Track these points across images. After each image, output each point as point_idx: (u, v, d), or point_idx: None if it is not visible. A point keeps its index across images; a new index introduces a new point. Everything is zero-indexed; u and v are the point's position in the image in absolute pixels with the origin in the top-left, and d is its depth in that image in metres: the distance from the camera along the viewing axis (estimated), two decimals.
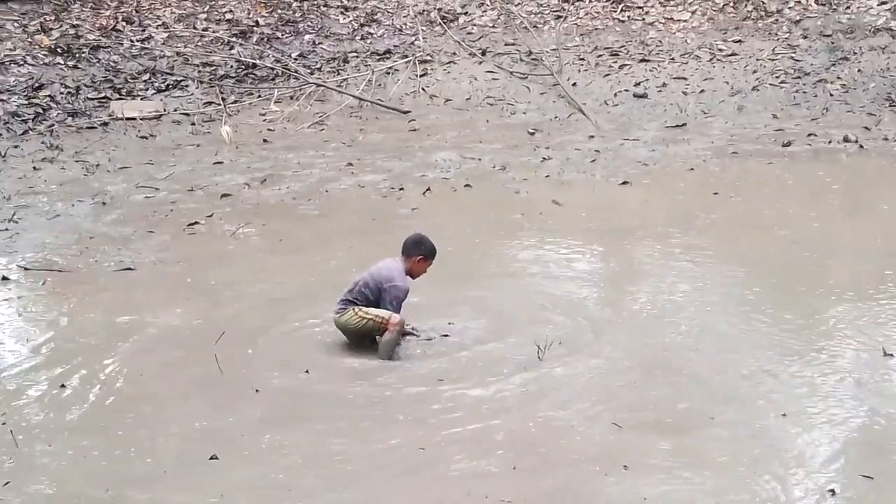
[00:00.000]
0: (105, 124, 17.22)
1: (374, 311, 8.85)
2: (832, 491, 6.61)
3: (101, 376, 8.63)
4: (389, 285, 8.85)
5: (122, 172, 14.84)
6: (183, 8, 22.03)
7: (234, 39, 20.74)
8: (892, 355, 8.42)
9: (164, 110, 17.95)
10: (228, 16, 21.82)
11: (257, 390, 8.25)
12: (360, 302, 8.91)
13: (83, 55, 19.72)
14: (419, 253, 9.00)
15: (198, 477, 7.09)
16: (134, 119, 17.41)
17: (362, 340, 9.03)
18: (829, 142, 15.46)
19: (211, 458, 7.25)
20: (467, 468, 7.09)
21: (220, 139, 16.22)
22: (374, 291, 8.90)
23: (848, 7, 20.30)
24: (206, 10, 22.03)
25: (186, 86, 18.96)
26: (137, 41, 20.63)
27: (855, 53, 18.75)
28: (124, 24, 21.33)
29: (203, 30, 21.19)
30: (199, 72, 19.51)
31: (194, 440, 7.58)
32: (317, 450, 7.40)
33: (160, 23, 21.47)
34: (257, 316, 9.83)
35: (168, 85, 18.99)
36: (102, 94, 18.51)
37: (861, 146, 15.15)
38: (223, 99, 18.27)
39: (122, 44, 20.50)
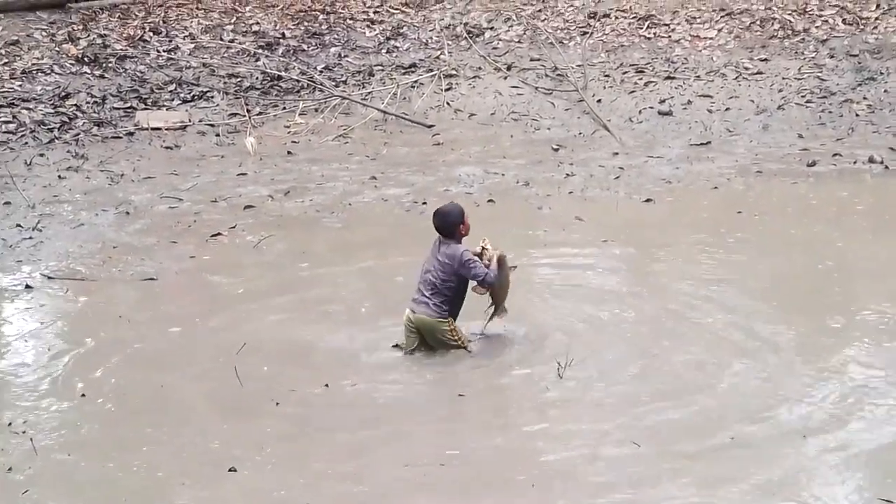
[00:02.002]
0: (130, 134, 17.26)
1: (463, 334, 9.07)
2: None
3: (122, 387, 8.66)
4: (462, 261, 8.88)
5: (146, 182, 14.89)
6: (210, 19, 22.11)
7: (260, 51, 20.80)
8: None
9: (190, 121, 17.98)
10: (255, 27, 21.89)
11: (277, 403, 8.26)
12: (447, 298, 8.98)
13: (110, 65, 19.80)
14: (458, 223, 9.09)
15: (216, 489, 7.11)
16: (159, 129, 17.45)
17: (425, 343, 9.14)
18: (854, 162, 15.39)
19: (230, 471, 7.26)
20: (492, 483, 7.09)
21: (244, 150, 16.24)
22: (455, 275, 8.95)
23: (875, 27, 20.24)
24: (232, 21, 22.11)
25: (212, 97, 19.01)
26: (164, 52, 20.71)
27: (881, 74, 18.67)
28: (151, 34, 21.41)
29: (230, 41, 21.26)
30: (225, 83, 19.56)
31: (213, 452, 7.60)
32: (336, 464, 7.40)
33: (187, 34, 21.56)
34: (278, 328, 9.85)
35: (194, 96, 19.04)
36: (128, 104, 18.57)
37: (886, 167, 15.07)
38: (248, 110, 18.31)
39: (148, 54, 20.58)
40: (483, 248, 9.09)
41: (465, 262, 8.84)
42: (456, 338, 9.07)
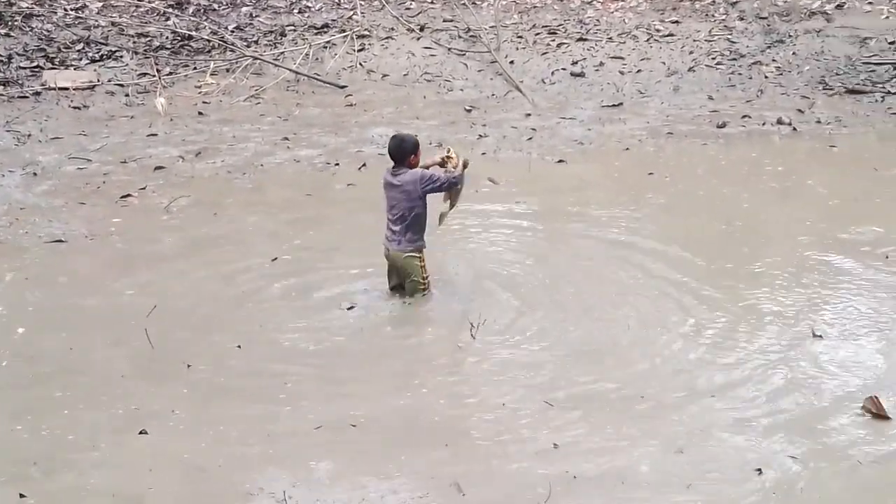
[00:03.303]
0: (37, 94, 16.98)
1: (428, 274, 9.44)
2: (759, 470, 6.68)
3: (30, 351, 8.56)
4: (423, 180, 9.13)
5: (53, 143, 14.66)
6: None
7: (170, 10, 20.56)
8: (820, 337, 8.52)
9: (98, 81, 17.72)
10: None
11: (189, 365, 8.21)
12: (417, 227, 9.32)
13: (16, 23, 19.47)
14: (411, 151, 9.28)
15: (126, 452, 7.06)
16: (67, 89, 17.18)
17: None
18: (763, 124, 15.58)
19: (140, 433, 7.22)
20: (404, 444, 7.11)
21: (154, 111, 16.04)
22: (420, 199, 9.22)
23: None
24: None
25: (121, 56, 18.75)
26: (71, 10, 20.40)
27: (790, 36, 18.89)
28: None
29: (138, 0, 20.97)
30: (134, 42, 19.31)
31: (124, 415, 7.53)
32: (247, 426, 7.38)
33: None
34: (189, 290, 9.78)
35: (102, 55, 18.76)
36: (35, 64, 18.27)
37: (794, 128, 15.28)
38: (158, 70, 18.08)
39: (55, 12, 20.26)
40: (448, 156, 9.38)
41: (428, 178, 9.13)
42: (423, 276, 9.41)
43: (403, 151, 9.26)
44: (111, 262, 10.59)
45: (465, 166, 9.31)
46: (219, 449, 7.10)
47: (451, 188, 9.29)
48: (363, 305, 9.36)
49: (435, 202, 9.40)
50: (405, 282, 9.46)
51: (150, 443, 7.16)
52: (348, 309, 9.35)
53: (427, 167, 9.36)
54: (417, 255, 9.38)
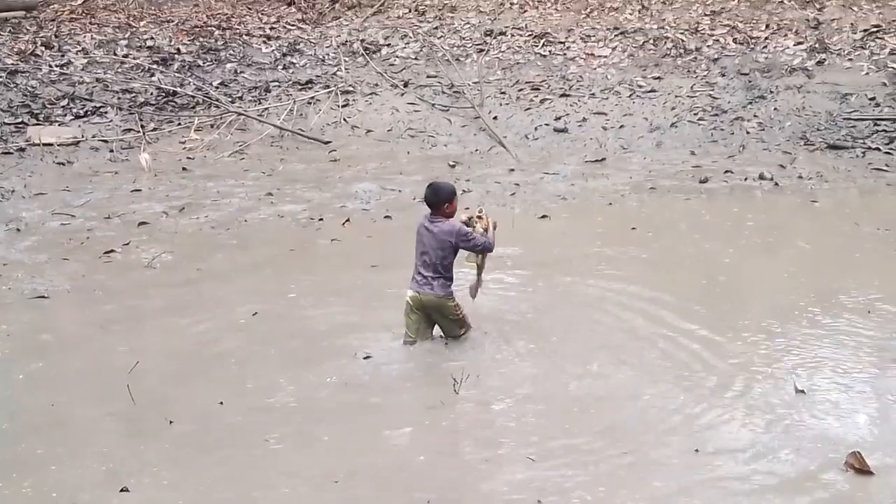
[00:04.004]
0: (21, 150, 17.03)
1: (464, 309, 9.61)
2: None
3: (12, 407, 8.51)
4: (459, 235, 9.32)
5: (37, 199, 14.67)
6: (103, 34, 21.92)
7: (154, 66, 20.64)
8: (803, 392, 8.51)
9: (83, 136, 17.77)
10: (150, 42, 21.73)
11: (171, 422, 8.17)
12: (447, 275, 9.46)
13: (0, 80, 19.52)
14: (447, 199, 9.41)
15: None
16: (51, 145, 17.23)
17: (431, 321, 9.64)
18: (746, 179, 15.65)
19: (122, 491, 7.17)
20: (384, 498, 7.08)
21: (138, 167, 16.08)
22: (452, 249, 9.37)
23: (765, 47, 20.64)
24: (126, 36, 21.92)
25: (105, 112, 18.82)
26: (56, 66, 20.49)
27: (771, 92, 19.03)
28: (43, 48, 21.17)
29: (123, 56, 21.07)
30: (119, 98, 19.38)
31: (105, 472, 7.48)
32: (229, 482, 7.34)
33: (80, 48, 21.34)
34: (171, 347, 9.74)
35: (87, 111, 18.83)
36: (19, 120, 18.33)
37: (776, 184, 15.36)
38: (142, 126, 18.14)
39: (40, 69, 20.33)
40: (478, 216, 9.57)
41: (464, 234, 9.31)
42: (460, 314, 9.57)
43: (439, 199, 9.40)
44: (94, 318, 10.55)
45: (494, 229, 9.51)
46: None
47: (485, 251, 9.51)
48: (340, 366, 9.31)
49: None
50: (441, 322, 9.61)
51: (132, 500, 7.11)
52: (364, 358, 9.34)
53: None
54: (451, 299, 9.52)
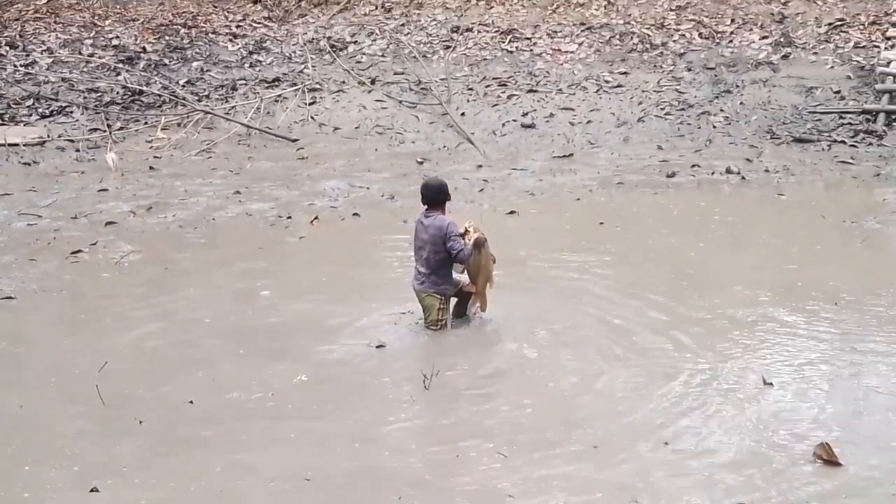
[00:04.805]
0: None
1: (447, 319, 9.90)
2: None
3: None
4: (448, 231, 9.57)
5: (3, 199, 14.58)
6: (68, 33, 21.80)
7: (120, 65, 20.54)
8: (771, 384, 8.56)
9: (48, 136, 17.66)
10: (115, 42, 21.62)
11: (140, 421, 8.14)
12: (443, 272, 9.76)
13: None
14: (445, 199, 9.86)
15: None
16: (17, 145, 17.12)
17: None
18: (713, 173, 15.73)
19: (92, 491, 7.14)
20: (355, 495, 7.08)
21: (105, 166, 16.00)
22: (444, 246, 9.60)
23: (730, 41, 20.73)
24: (92, 35, 21.81)
25: (71, 112, 18.72)
26: (21, 66, 20.35)
27: (737, 86, 19.12)
28: (7, 48, 21.04)
29: (89, 55, 20.96)
30: (85, 98, 19.28)
31: (76, 473, 7.45)
32: (200, 480, 7.32)
33: (45, 48, 21.21)
34: (140, 346, 9.71)
35: (52, 111, 18.73)
36: None
37: (743, 177, 15.44)
38: (109, 125, 18.05)
39: (5, 68, 20.22)
40: (467, 228, 9.72)
41: (449, 234, 9.55)
42: (438, 318, 9.82)
43: (432, 194, 9.75)
44: (62, 318, 10.52)
45: (476, 243, 9.63)
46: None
47: (457, 260, 9.65)
48: (310, 365, 9.31)
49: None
50: (423, 310, 9.90)
51: (102, 500, 7.08)
52: (377, 347, 9.51)
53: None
54: (438, 296, 9.75)
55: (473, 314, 10.13)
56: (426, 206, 9.79)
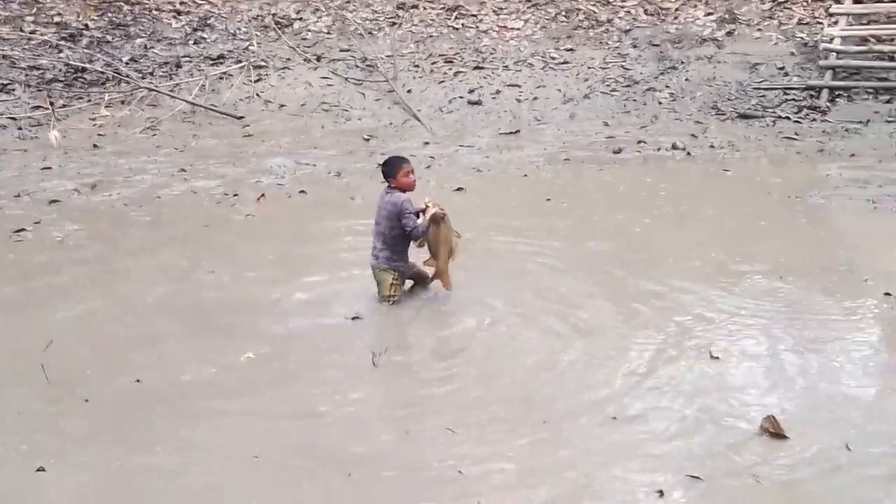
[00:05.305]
0: None
1: (399, 295, 9.95)
2: (660, 492, 6.73)
3: None
4: (399, 207, 9.63)
5: None
6: (9, 10, 21.50)
7: (62, 43, 20.31)
8: (718, 358, 8.62)
9: None
10: (57, 18, 21.36)
11: (87, 400, 8.08)
12: (395, 249, 9.82)
13: None
14: (398, 168, 9.78)
15: (24, 491, 6.92)
16: None
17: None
18: (658, 149, 15.81)
19: (38, 471, 7.08)
20: (304, 476, 7.06)
21: (48, 144, 15.84)
22: (398, 222, 9.68)
23: (676, 17, 20.82)
24: (33, 12, 21.53)
25: (13, 89, 18.50)
26: None
27: (682, 63, 19.22)
28: None
29: (30, 32, 20.70)
30: (27, 75, 19.06)
31: (21, 453, 7.38)
32: (149, 458, 7.28)
33: None
34: (86, 325, 9.63)
35: None
36: None
37: (688, 153, 15.53)
38: (51, 103, 17.86)
39: None
40: (427, 204, 9.74)
41: (402, 210, 9.61)
42: (390, 293, 9.88)
43: (387, 169, 9.85)
44: (5, 298, 10.40)
45: (432, 218, 9.64)
46: (118, 486, 6.99)
47: (411, 237, 9.72)
48: (257, 342, 9.28)
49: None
50: (377, 286, 9.94)
51: (48, 480, 7.02)
52: (353, 319, 9.57)
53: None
54: (392, 272, 9.83)
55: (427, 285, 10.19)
56: (388, 183, 9.85)
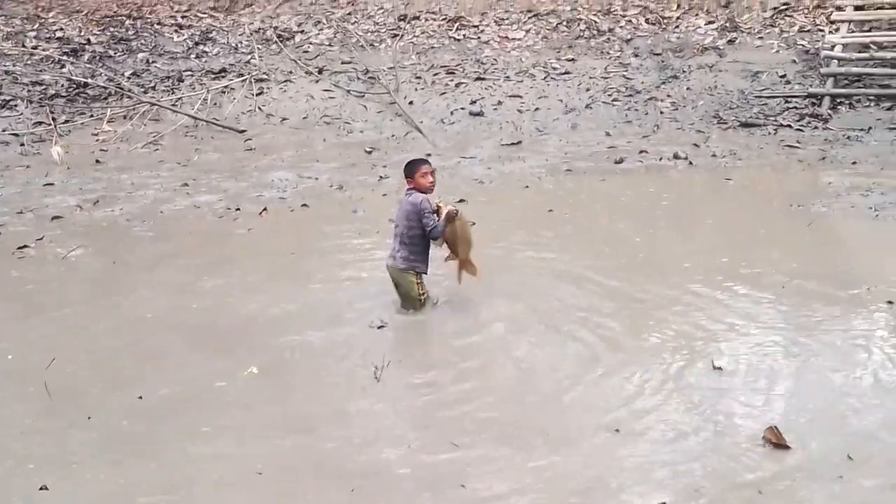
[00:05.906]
0: None
1: (427, 291, 10.00)
2: None
3: None
4: (419, 208, 9.70)
5: None
6: (11, 25, 21.57)
7: (64, 58, 20.36)
8: (720, 369, 8.60)
9: None
10: (59, 34, 21.43)
11: (90, 417, 8.08)
12: (414, 249, 9.85)
13: None
14: (416, 169, 9.92)
15: None
16: None
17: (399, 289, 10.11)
18: (660, 158, 15.81)
19: (41, 489, 7.08)
20: (309, 490, 7.06)
21: (50, 160, 15.88)
22: (418, 223, 9.75)
23: (677, 27, 20.83)
24: (35, 27, 21.60)
25: (15, 105, 18.55)
26: None
27: (684, 72, 19.23)
28: None
29: (32, 48, 20.74)
30: (29, 91, 19.10)
31: (25, 472, 7.38)
32: (153, 476, 7.27)
33: None
34: (89, 342, 9.63)
35: None
36: None
37: (690, 162, 15.53)
38: (54, 119, 17.90)
39: None
40: (438, 205, 9.80)
41: (421, 210, 9.73)
42: (420, 292, 9.96)
43: (407, 169, 10.02)
44: (8, 314, 10.40)
45: (447, 217, 9.70)
46: (123, 501, 6.99)
47: (431, 236, 9.76)
48: (260, 357, 9.27)
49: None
50: (399, 292, 10.03)
51: (52, 498, 7.02)
52: (378, 328, 9.64)
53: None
54: (411, 272, 9.90)
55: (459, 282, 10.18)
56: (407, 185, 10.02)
